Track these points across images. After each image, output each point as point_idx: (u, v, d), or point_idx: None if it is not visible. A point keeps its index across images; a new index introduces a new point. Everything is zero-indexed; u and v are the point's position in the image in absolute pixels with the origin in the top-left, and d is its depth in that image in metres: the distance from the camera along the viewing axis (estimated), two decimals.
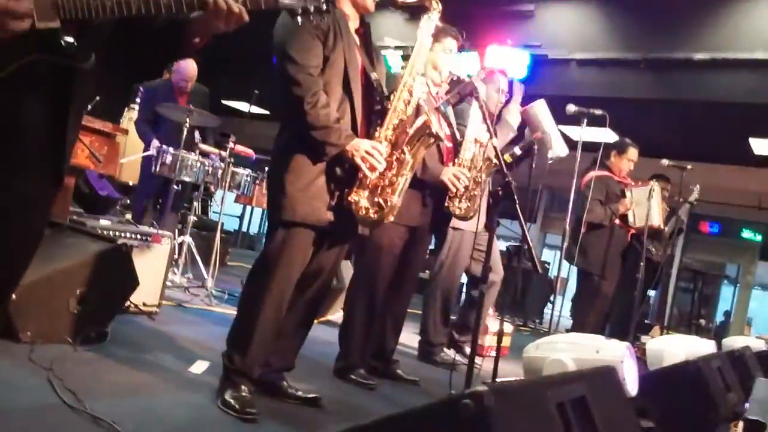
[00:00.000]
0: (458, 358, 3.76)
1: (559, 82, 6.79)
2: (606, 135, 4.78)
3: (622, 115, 7.18)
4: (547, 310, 8.16)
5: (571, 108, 3.69)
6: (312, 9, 1.55)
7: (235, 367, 2.25)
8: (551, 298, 8.78)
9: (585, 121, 3.68)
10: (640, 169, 5.01)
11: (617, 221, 4.69)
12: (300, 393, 2.43)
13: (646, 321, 7.17)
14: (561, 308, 5.30)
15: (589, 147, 4.12)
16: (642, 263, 4.50)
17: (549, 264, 16.00)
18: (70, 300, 2.52)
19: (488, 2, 6.92)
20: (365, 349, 3.02)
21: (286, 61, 2.21)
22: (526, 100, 3.59)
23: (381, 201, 2.24)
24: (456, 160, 3.02)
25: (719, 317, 12.89)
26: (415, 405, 2.54)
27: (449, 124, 3.12)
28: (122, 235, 3.19)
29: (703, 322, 6.73)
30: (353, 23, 2.41)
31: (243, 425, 2.11)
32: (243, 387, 2.22)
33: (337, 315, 4.67)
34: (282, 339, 2.40)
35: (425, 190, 2.96)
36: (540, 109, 3.45)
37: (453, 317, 4.08)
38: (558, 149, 3.46)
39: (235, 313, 2.38)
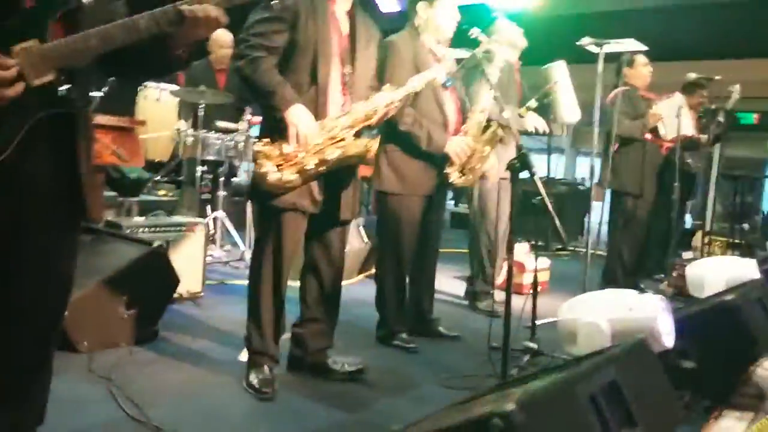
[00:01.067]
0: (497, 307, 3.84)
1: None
2: (633, 45, 4.57)
3: (646, 25, 6.87)
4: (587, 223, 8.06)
5: (587, 41, 3.55)
6: None
7: (254, 348, 2.40)
8: (589, 210, 8.73)
9: (602, 51, 3.52)
10: (673, 75, 4.79)
11: (648, 136, 4.55)
12: (346, 368, 2.55)
13: (686, 228, 7.05)
14: (600, 221, 5.10)
15: (610, 58, 3.87)
16: (676, 183, 4.39)
17: (584, 178, 15.80)
18: (119, 306, 2.65)
19: None
20: (403, 314, 3.11)
21: (237, 45, 2.26)
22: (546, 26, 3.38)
23: (282, 170, 2.23)
24: (463, 128, 2.97)
25: (765, 207, 12.56)
26: (457, 365, 2.61)
27: (456, 97, 3.06)
28: (157, 230, 3.29)
29: (746, 226, 6.59)
30: (343, 5, 2.36)
31: (294, 414, 2.23)
32: (265, 366, 2.37)
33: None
34: (313, 324, 2.53)
35: (429, 159, 2.95)
36: (558, 71, 3.32)
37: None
38: (568, 115, 3.36)
39: None
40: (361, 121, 2.29)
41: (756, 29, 6.61)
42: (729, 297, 2.40)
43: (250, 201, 4.90)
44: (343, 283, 4.38)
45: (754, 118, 11.05)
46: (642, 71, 4.60)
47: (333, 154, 2.25)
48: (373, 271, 4.65)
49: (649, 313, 1.98)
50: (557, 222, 2.00)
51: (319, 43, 2.26)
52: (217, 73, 4.98)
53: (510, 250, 2.17)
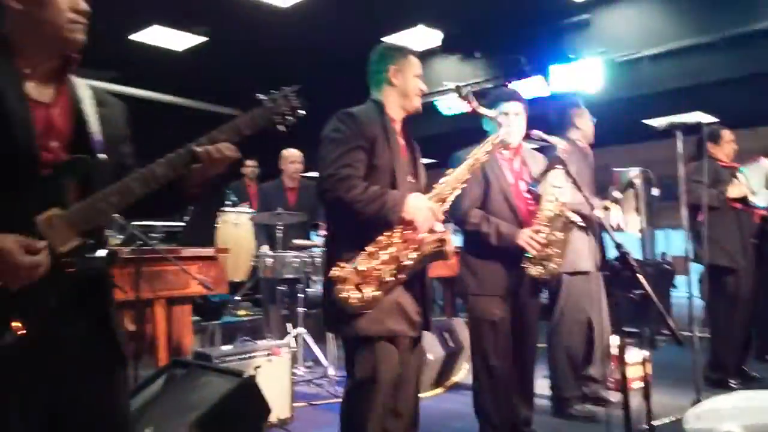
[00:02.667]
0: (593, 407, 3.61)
1: (633, 82, 6.49)
2: (702, 118, 4.48)
3: (711, 97, 6.78)
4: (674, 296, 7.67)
5: (662, 123, 3.48)
6: (290, 114, 1.57)
7: None
8: (674, 283, 8.31)
9: (680, 134, 3.44)
10: (745, 141, 4.62)
11: (738, 204, 4.25)
12: None
13: None
14: (689, 293, 4.73)
15: (689, 131, 3.74)
16: None
17: (664, 253, 15.18)
18: None
19: (539, 23, 6.78)
20: (504, 424, 2.95)
21: (323, 181, 2.23)
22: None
23: (373, 294, 2.14)
24: (535, 218, 2.91)
25: None
26: None
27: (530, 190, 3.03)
28: (245, 357, 3.29)
29: None
30: (398, 125, 2.44)
31: None
32: None
33: (460, 375, 4.61)
34: None
35: (505, 257, 2.90)
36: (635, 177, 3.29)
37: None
38: (631, 226, 3.30)
39: None
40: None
41: None
42: None
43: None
44: (427, 394, 4.28)
45: None
46: (727, 147, 4.43)
47: (409, 258, 2.19)
48: (452, 380, 4.53)
49: None
50: (670, 321, 1.86)
51: (396, 163, 2.31)
52: (288, 192, 5.21)
53: (622, 355, 2.02)
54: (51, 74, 1.47)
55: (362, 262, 2.15)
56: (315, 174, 2.39)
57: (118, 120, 1.61)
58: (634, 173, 3.53)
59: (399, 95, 2.40)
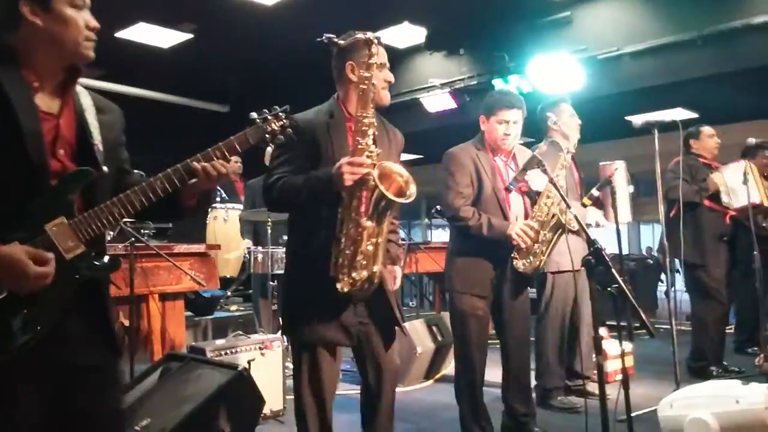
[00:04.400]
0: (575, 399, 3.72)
1: (614, 79, 6.61)
2: (683, 114, 4.57)
3: (692, 94, 6.93)
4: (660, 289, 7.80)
5: (638, 121, 3.57)
6: (278, 130, 1.66)
7: None
8: (662, 278, 8.39)
9: (656, 131, 3.54)
10: (730, 136, 4.73)
11: (707, 203, 4.41)
12: None
13: None
14: (674, 287, 4.80)
15: (668, 127, 3.84)
16: (756, 252, 4.20)
17: (649, 247, 15.32)
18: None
19: (521, 20, 6.88)
20: (478, 415, 3.04)
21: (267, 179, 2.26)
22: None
23: (363, 275, 2.11)
24: (531, 213, 3.00)
25: None
26: None
27: (524, 194, 3.09)
28: (238, 351, 3.36)
29: None
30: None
31: None
32: None
33: (449, 368, 4.70)
34: None
35: (492, 256, 2.97)
36: (617, 172, 3.37)
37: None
38: (621, 216, 3.37)
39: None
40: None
41: None
42: None
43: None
44: (416, 386, 4.36)
45: None
46: (708, 142, 4.58)
47: (364, 216, 2.07)
48: (443, 373, 4.63)
49: (759, 404, 1.88)
50: (642, 314, 1.96)
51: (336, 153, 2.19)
52: None
53: (598, 347, 2.12)
54: (58, 86, 1.53)
55: (342, 249, 2.11)
56: None
57: (116, 126, 1.67)
58: (619, 165, 3.60)
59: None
